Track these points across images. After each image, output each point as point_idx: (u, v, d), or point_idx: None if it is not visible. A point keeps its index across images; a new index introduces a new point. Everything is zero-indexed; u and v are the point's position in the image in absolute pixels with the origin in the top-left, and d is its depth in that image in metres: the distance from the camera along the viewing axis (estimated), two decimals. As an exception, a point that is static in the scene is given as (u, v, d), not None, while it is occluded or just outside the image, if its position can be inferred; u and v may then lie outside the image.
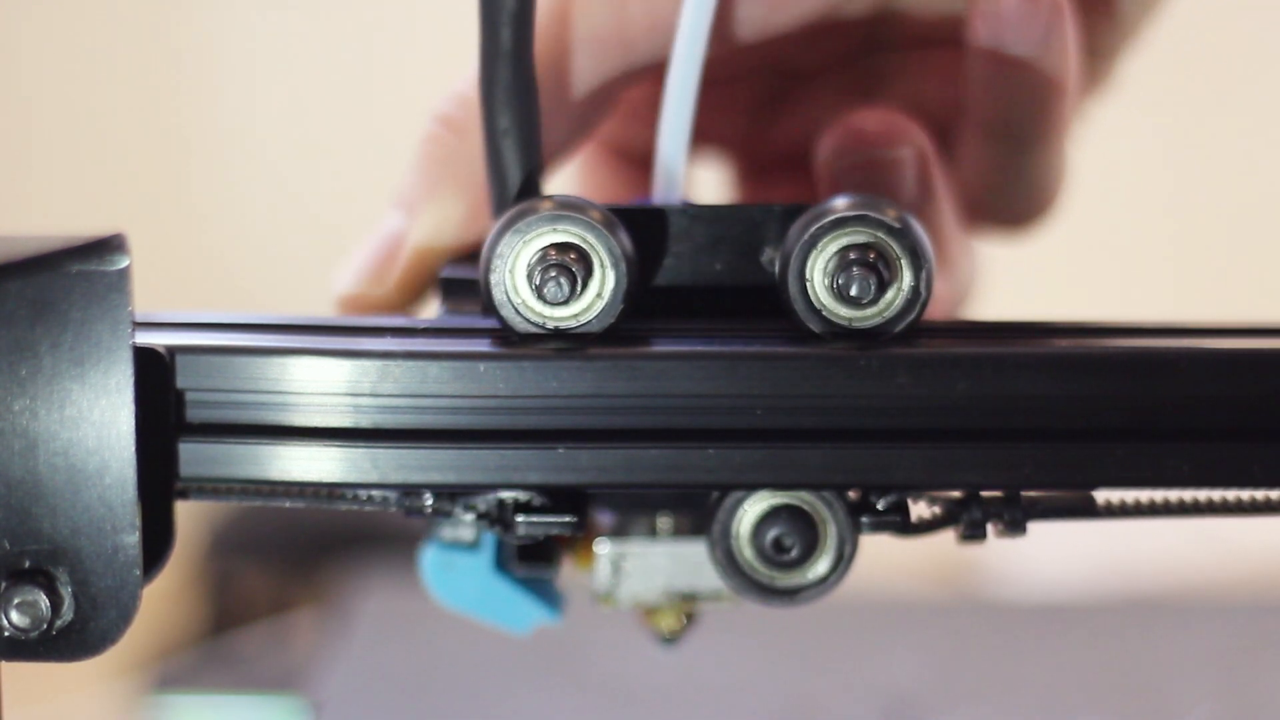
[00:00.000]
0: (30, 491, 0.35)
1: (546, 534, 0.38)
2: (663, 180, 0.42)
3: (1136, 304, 1.33)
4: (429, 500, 0.38)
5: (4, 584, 0.35)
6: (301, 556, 1.15)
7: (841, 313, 0.37)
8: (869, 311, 0.37)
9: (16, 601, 0.35)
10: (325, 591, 1.06)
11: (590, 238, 0.37)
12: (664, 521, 0.41)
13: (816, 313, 0.37)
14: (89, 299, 0.35)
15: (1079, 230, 1.11)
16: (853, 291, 0.37)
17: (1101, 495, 0.38)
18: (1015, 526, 0.38)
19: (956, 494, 0.38)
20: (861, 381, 0.36)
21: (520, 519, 0.38)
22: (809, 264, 0.37)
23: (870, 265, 0.37)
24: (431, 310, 0.44)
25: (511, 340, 0.37)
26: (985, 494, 0.38)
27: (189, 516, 0.91)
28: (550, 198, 0.38)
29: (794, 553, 0.37)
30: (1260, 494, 0.38)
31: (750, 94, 0.50)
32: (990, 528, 0.38)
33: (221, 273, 1.40)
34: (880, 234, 0.37)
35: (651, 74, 0.45)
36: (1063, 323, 0.39)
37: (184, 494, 0.37)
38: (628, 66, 0.44)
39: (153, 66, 1.40)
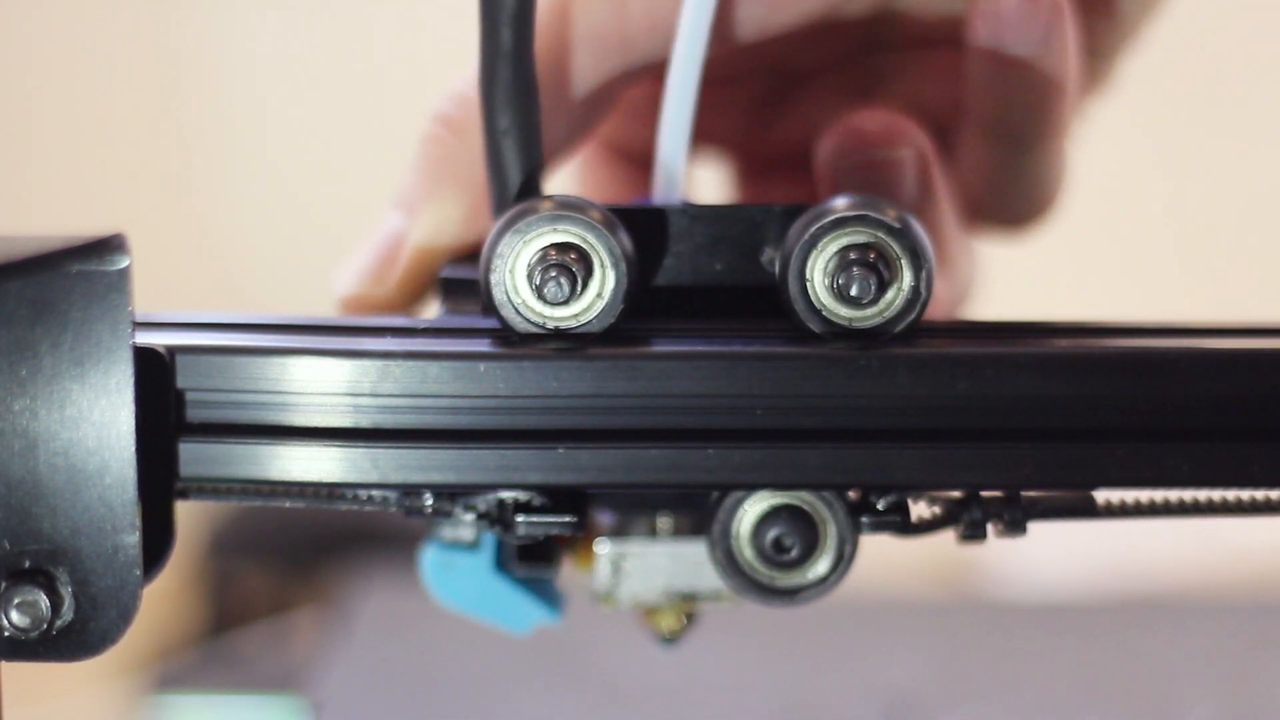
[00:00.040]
0: (30, 491, 0.35)
1: (546, 534, 0.38)
2: (663, 180, 0.42)
3: (1137, 304, 1.33)
4: (429, 500, 0.38)
5: (4, 584, 0.35)
6: (301, 556, 1.15)
7: (841, 312, 0.37)
8: (869, 311, 0.37)
9: (16, 601, 0.35)
10: (325, 591, 1.06)
11: (590, 238, 0.37)
12: (664, 521, 0.41)
13: (816, 312, 0.37)
14: (89, 299, 0.35)
15: (1079, 230, 1.11)
16: (853, 291, 0.37)
17: (1101, 495, 0.38)
18: (1015, 527, 0.38)
19: (956, 494, 0.38)
20: (861, 381, 0.36)
21: (520, 519, 0.38)
22: (809, 264, 0.37)
23: (870, 265, 0.37)
24: (432, 310, 0.44)
25: (511, 340, 0.37)
26: (985, 494, 0.38)
27: (189, 516, 0.91)
28: (550, 198, 0.38)
29: (794, 553, 0.37)
30: (1260, 494, 0.38)
31: (749, 94, 0.50)
32: (990, 528, 0.38)
33: (221, 273, 1.40)
34: (880, 234, 0.37)
35: (651, 73, 0.45)
36: (1063, 323, 0.39)
37: (184, 494, 0.37)
38: (627, 65, 0.44)
39: (153, 66, 1.40)
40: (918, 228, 0.37)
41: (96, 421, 0.35)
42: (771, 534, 0.37)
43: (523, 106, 0.40)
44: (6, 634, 0.35)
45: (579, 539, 0.41)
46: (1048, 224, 0.49)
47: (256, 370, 0.36)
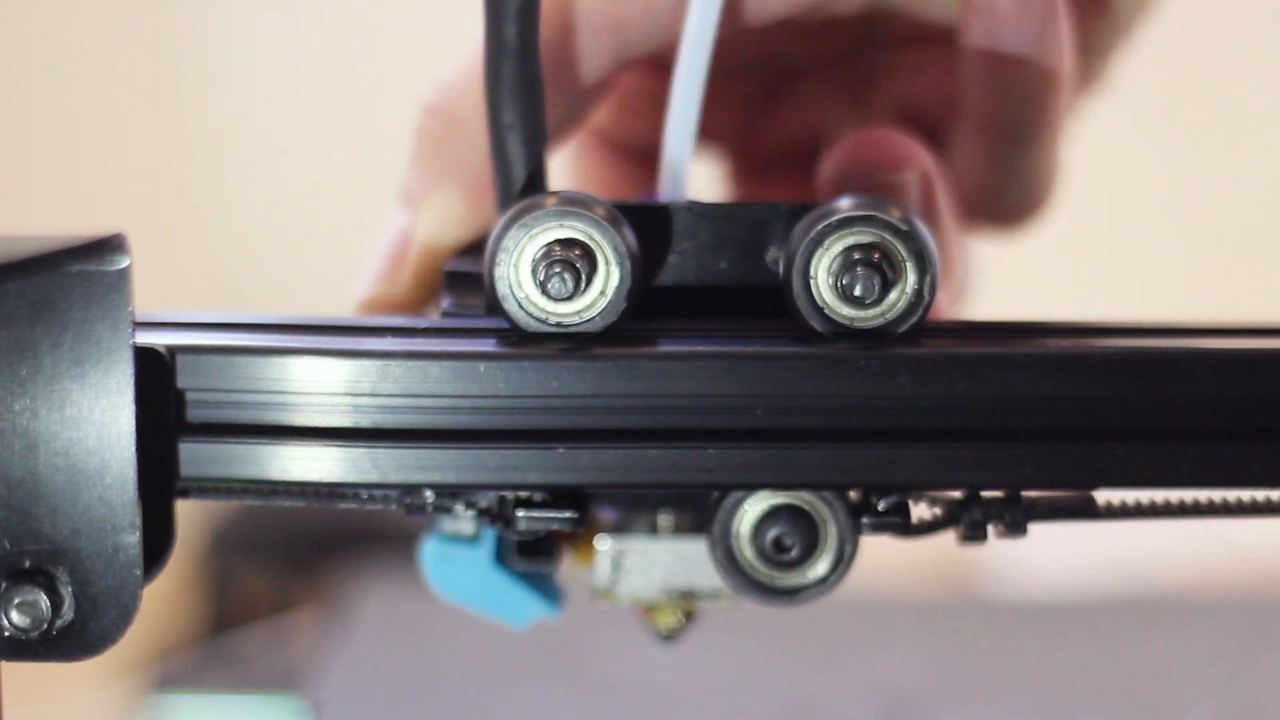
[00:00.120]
0: (30, 491, 0.35)
1: (547, 529, 0.38)
2: (668, 177, 0.41)
3: (1137, 304, 1.33)
4: (430, 498, 0.38)
5: (4, 584, 0.35)
6: (301, 556, 1.15)
7: (844, 312, 0.37)
8: (872, 312, 0.37)
9: (16, 601, 0.35)
10: (325, 591, 1.06)
11: (595, 234, 0.37)
12: (665, 519, 0.41)
13: (819, 311, 0.37)
14: (89, 299, 0.35)
15: (1079, 230, 1.11)
16: (856, 291, 0.37)
17: (1102, 496, 0.38)
18: (1016, 527, 0.38)
19: (957, 494, 0.38)
20: (862, 381, 0.36)
21: (521, 514, 0.38)
22: (813, 262, 0.37)
23: (875, 265, 0.37)
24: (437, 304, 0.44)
25: (512, 340, 0.37)
26: (986, 494, 0.38)
27: (189, 516, 0.91)
28: (556, 193, 0.38)
29: (794, 553, 0.37)
30: (1260, 494, 0.38)
31: (744, 90, 0.50)
32: (991, 529, 0.38)
33: (221, 273, 1.40)
34: (886, 235, 0.37)
35: (647, 64, 0.45)
36: (1063, 323, 0.39)
37: (184, 494, 0.37)
38: (621, 50, 0.43)
39: (153, 66, 1.40)
40: (923, 230, 0.37)
41: (97, 421, 0.35)
42: (772, 534, 0.37)
43: (527, 102, 0.40)
44: (6, 634, 0.35)
45: (579, 534, 0.41)
46: (1040, 222, 0.49)
47: (257, 370, 0.36)
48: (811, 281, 0.37)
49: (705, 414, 0.36)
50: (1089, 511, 0.38)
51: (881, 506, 0.38)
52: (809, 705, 0.76)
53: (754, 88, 0.50)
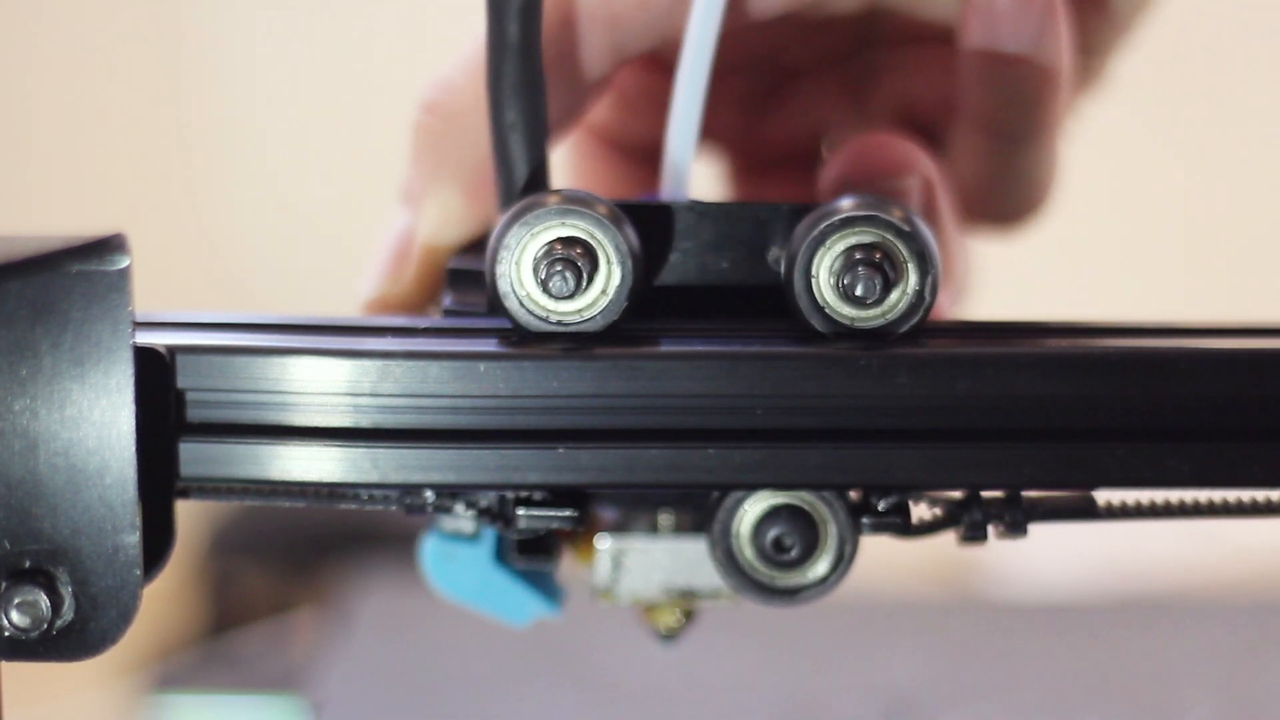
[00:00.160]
0: (30, 491, 0.35)
1: (547, 527, 0.38)
2: (670, 176, 0.41)
3: (1138, 303, 1.33)
4: (430, 498, 0.38)
5: (4, 584, 0.35)
6: (301, 556, 1.15)
7: (845, 312, 0.37)
8: (873, 312, 0.37)
9: (17, 601, 0.35)
10: (325, 591, 1.06)
11: (597, 233, 0.37)
12: (665, 518, 0.41)
13: (820, 310, 0.37)
14: (89, 299, 0.35)
15: (1080, 230, 1.11)
16: (858, 291, 0.37)
17: (1102, 496, 0.38)
18: (1016, 528, 0.38)
19: (957, 495, 0.38)
20: (862, 381, 0.36)
21: (521, 512, 0.38)
22: (815, 261, 0.37)
23: (876, 265, 0.37)
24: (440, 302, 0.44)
25: (512, 340, 0.37)
26: (986, 495, 0.38)
27: (189, 516, 0.91)
28: (558, 192, 0.38)
29: (794, 553, 0.37)
30: (1260, 494, 0.38)
31: (743, 89, 0.50)
32: (991, 529, 0.38)
33: (221, 273, 1.40)
34: (888, 235, 0.37)
35: (646, 62, 0.45)
36: (1063, 323, 0.39)
37: (184, 494, 0.37)
38: (617, 46, 0.43)
39: (153, 66, 1.40)
40: (925, 231, 0.37)
41: (97, 421, 0.35)
42: (772, 534, 0.37)
43: (529, 100, 0.40)
44: (6, 634, 0.35)
45: (580, 533, 0.41)
46: (1039, 222, 0.49)
47: (257, 370, 0.36)
48: (813, 281, 0.37)
49: (705, 414, 0.36)
50: (1089, 511, 0.38)
51: (881, 506, 0.38)
52: (809, 705, 0.76)
53: (752, 87, 0.50)
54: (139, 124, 1.41)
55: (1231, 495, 0.38)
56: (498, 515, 0.38)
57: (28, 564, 0.35)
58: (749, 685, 0.78)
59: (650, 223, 0.39)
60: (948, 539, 0.39)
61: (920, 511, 0.38)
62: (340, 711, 0.77)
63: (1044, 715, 0.76)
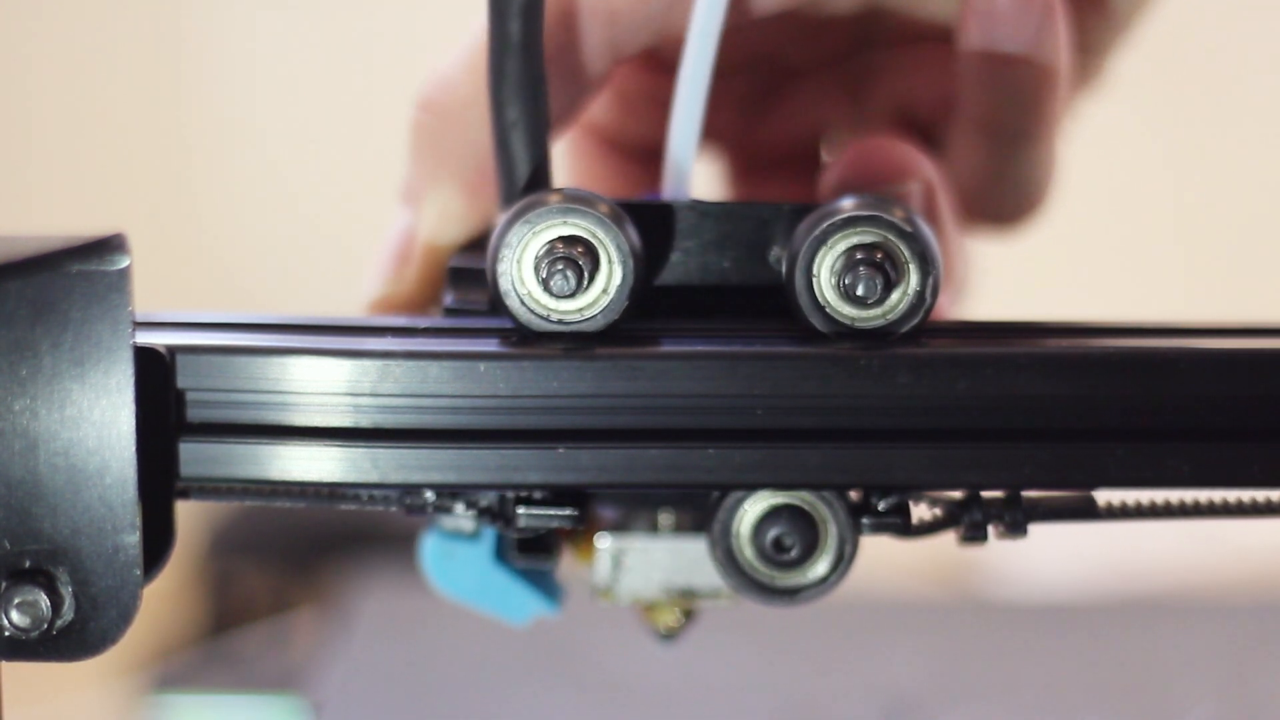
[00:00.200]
0: (30, 491, 0.35)
1: (547, 526, 0.38)
2: (672, 176, 0.41)
3: (1137, 304, 1.33)
4: (430, 498, 0.38)
5: (4, 584, 0.35)
6: (301, 556, 1.15)
7: (846, 311, 0.37)
8: (874, 312, 0.37)
9: (17, 601, 0.35)
10: (325, 591, 1.06)
11: (599, 232, 0.37)
12: (665, 518, 0.41)
13: (820, 309, 0.37)
14: (89, 299, 0.35)
15: (1079, 230, 1.11)
16: (859, 291, 0.37)
17: (1102, 497, 0.38)
18: (1016, 528, 0.38)
19: (957, 495, 0.38)
20: (862, 381, 0.36)
21: (521, 510, 0.38)
22: (816, 261, 0.37)
23: (877, 265, 0.37)
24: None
25: (512, 340, 0.37)
26: (986, 495, 0.38)
27: (189, 516, 0.91)
28: (560, 190, 0.38)
29: (794, 553, 0.37)
30: (1260, 494, 0.38)
31: (741, 89, 0.50)
32: (991, 529, 0.38)
33: (221, 273, 1.40)
34: (890, 235, 0.37)
35: (644, 62, 0.45)
36: (1063, 323, 0.39)
37: (184, 494, 0.37)
38: (615, 43, 0.43)
39: (153, 66, 1.40)
40: (926, 231, 0.37)
41: (97, 421, 0.35)
42: (772, 534, 0.37)
43: (531, 98, 0.40)
44: (6, 634, 0.35)
45: (580, 532, 0.41)
46: (1037, 222, 0.49)
47: (256, 370, 0.36)
48: (814, 281, 0.37)
49: (706, 414, 0.36)
50: (1089, 512, 0.38)
51: (881, 507, 0.38)
52: (809, 705, 0.76)
53: (751, 87, 0.50)
54: (139, 124, 1.41)
55: (1231, 495, 0.38)
56: (498, 514, 0.38)
57: (28, 564, 0.35)
58: (749, 685, 0.78)
59: (652, 222, 0.39)
60: (948, 539, 0.39)
61: (920, 511, 0.38)
62: (340, 711, 0.77)
63: (1044, 715, 0.76)
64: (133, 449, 0.35)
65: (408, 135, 0.44)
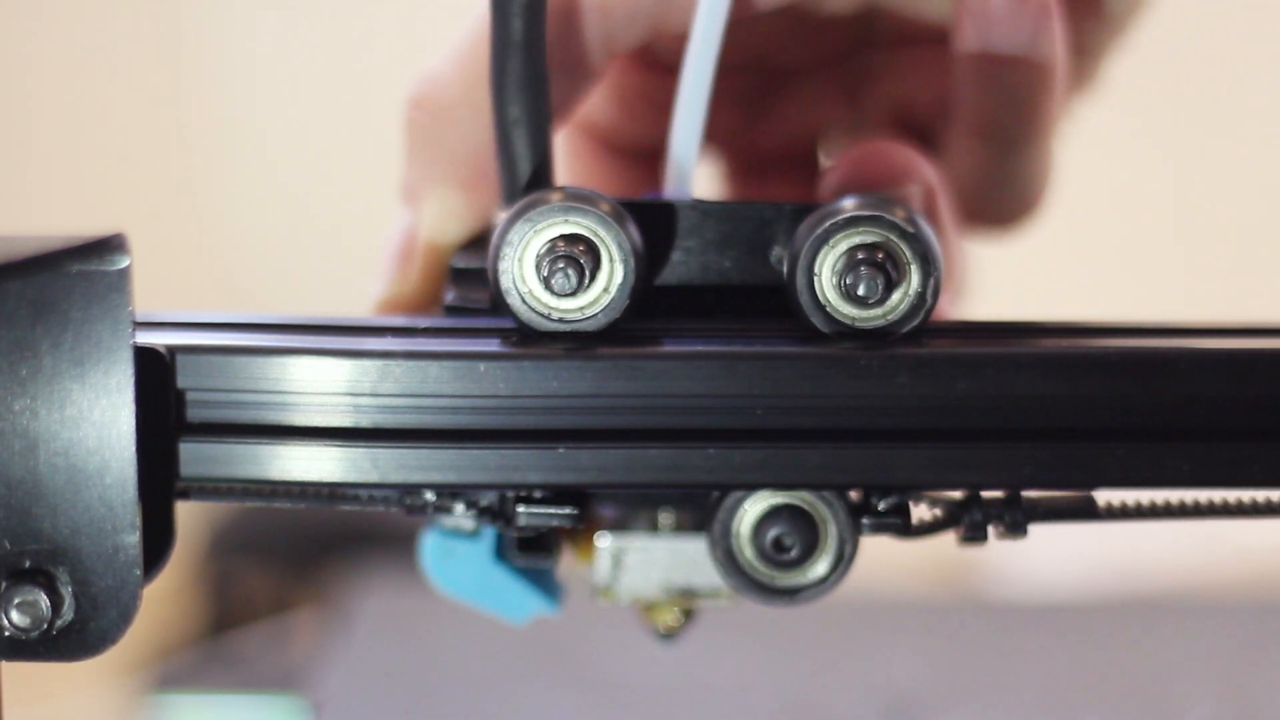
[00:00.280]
0: (30, 491, 0.35)
1: (547, 525, 0.38)
2: (674, 175, 0.41)
3: (1138, 303, 1.33)
4: (430, 498, 0.38)
5: (4, 584, 0.35)
6: (301, 556, 1.15)
7: (847, 311, 0.37)
8: (875, 312, 0.37)
9: (17, 601, 0.35)
10: (325, 591, 1.06)
11: (600, 231, 0.37)
12: (665, 517, 0.41)
13: (821, 309, 0.37)
14: (89, 299, 0.35)
15: (1078, 230, 1.11)
16: (860, 291, 0.37)
17: (1102, 497, 0.38)
18: (1016, 528, 0.38)
19: (957, 495, 0.38)
20: (862, 381, 0.36)
21: (521, 509, 0.38)
22: (818, 261, 0.37)
23: (879, 265, 0.37)
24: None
25: (512, 340, 0.37)
26: (986, 495, 0.38)
27: (189, 516, 0.91)
28: (562, 189, 0.38)
29: (794, 552, 0.37)
30: (1260, 494, 0.38)
31: (739, 90, 0.50)
32: (991, 529, 0.38)
33: (221, 273, 1.40)
34: (891, 235, 0.37)
35: (642, 61, 0.45)
36: (1063, 323, 0.39)
37: (184, 494, 0.37)
38: (607, 35, 0.43)
39: (153, 66, 1.40)
40: (928, 232, 0.37)
41: (97, 421, 0.35)
42: (772, 534, 0.37)
43: (533, 97, 0.40)
44: (6, 634, 0.35)
45: (580, 531, 0.41)
46: (1035, 223, 0.49)
47: (257, 370, 0.36)
48: (815, 280, 0.37)
49: (705, 414, 0.36)
50: (1089, 512, 0.38)
51: (881, 507, 0.38)
52: (809, 705, 0.76)
53: (749, 88, 0.50)
54: (139, 124, 1.41)
55: (1231, 495, 0.38)
56: (498, 514, 0.38)
57: (28, 564, 0.35)
58: (749, 685, 0.78)
59: (653, 221, 0.39)
60: (948, 539, 0.39)
61: (920, 512, 0.38)
62: (340, 711, 0.77)
63: (1044, 715, 0.76)
64: (133, 449, 0.35)
65: (402, 134, 0.44)
